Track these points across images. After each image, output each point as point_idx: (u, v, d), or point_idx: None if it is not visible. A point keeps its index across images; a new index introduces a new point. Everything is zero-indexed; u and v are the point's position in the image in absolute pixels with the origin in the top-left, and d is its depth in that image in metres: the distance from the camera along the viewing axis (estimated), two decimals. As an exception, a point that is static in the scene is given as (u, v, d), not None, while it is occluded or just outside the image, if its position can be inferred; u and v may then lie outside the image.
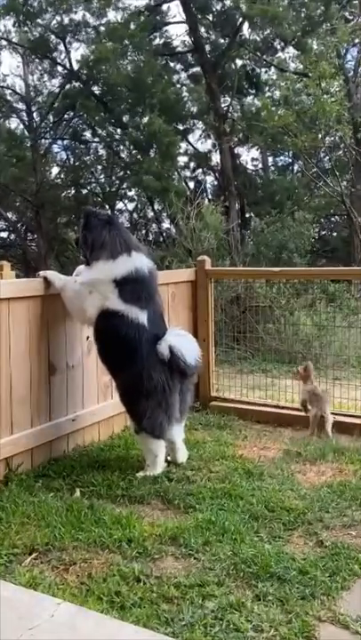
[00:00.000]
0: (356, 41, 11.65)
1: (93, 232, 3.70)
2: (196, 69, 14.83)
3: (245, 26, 13.31)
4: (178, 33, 15.53)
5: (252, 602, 2.42)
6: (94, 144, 16.18)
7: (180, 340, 3.76)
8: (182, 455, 3.92)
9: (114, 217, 3.96)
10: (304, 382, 4.52)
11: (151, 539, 2.90)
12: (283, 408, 4.89)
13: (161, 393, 3.66)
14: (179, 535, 2.92)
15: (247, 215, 14.70)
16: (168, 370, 3.67)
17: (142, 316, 3.65)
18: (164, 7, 14.80)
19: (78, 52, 15.29)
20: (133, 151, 14.22)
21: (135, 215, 16.61)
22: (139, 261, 3.69)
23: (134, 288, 3.64)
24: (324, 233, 15.27)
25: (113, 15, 14.67)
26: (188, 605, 2.38)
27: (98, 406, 4.26)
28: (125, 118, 14.80)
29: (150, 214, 15.77)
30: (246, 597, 2.44)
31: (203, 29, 13.83)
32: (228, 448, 4.13)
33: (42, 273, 3.88)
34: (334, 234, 14.90)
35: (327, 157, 12.96)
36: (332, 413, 4.65)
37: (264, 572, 2.60)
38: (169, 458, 3.89)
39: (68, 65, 15.18)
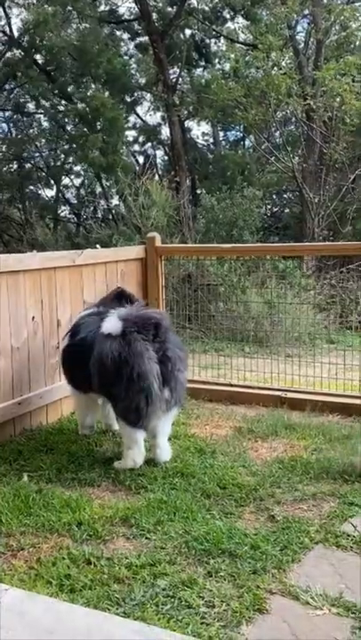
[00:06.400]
0: (306, 12, 11.58)
1: None
2: (144, 39, 14.45)
3: (194, -7, 13.05)
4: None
5: (204, 578, 2.43)
6: (38, 116, 15.64)
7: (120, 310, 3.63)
8: (163, 454, 3.53)
9: None
10: None
11: (102, 521, 2.87)
12: (235, 386, 4.92)
13: (133, 370, 3.33)
14: (130, 516, 2.90)
15: (198, 191, 14.59)
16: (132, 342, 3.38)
17: None
18: (109, -29, 14.31)
19: (19, 17, 14.66)
20: (79, 124, 13.79)
21: (82, 191, 16.20)
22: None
23: None
24: (276, 210, 15.31)
25: (55, -22, 14.01)
26: (139, 585, 2.38)
27: (45, 389, 4.16)
28: (70, 89, 14.31)
29: (98, 190, 15.42)
30: (198, 574, 2.45)
31: (149, -4, 13.43)
32: (180, 427, 4.12)
33: None
34: (286, 210, 14.95)
35: (278, 132, 12.94)
36: (285, 390, 4.72)
37: (216, 549, 2.62)
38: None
39: (7, 31, 14.50)
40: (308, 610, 2.25)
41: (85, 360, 3.55)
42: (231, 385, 4.96)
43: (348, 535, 2.74)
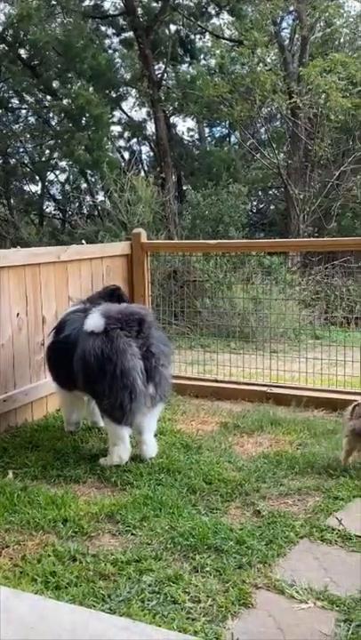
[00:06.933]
0: (292, 8, 11.60)
1: None
2: (129, 34, 14.37)
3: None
4: (108, -7, 14.93)
5: (190, 574, 2.43)
6: (23, 111, 15.51)
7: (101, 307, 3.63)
8: (149, 450, 3.51)
9: None
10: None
11: (87, 517, 2.86)
12: (221, 382, 4.93)
13: (119, 368, 3.32)
14: (116, 512, 2.89)
15: (184, 187, 14.58)
16: (115, 339, 3.37)
17: None
18: (93, -35, 14.17)
19: (2, 12, 14.49)
20: (64, 120, 13.70)
21: (67, 187, 16.10)
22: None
23: None
24: (261, 206, 15.35)
25: (38, -28, 13.86)
26: (125, 581, 2.37)
27: (30, 386, 4.13)
28: (55, 84, 14.22)
29: (84, 186, 15.33)
30: (184, 570, 2.46)
31: (134, -10, 13.33)
32: (166, 423, 4.12)
33: None
34: (272, 207, 15.00)
35: (264, 129, 12.97)
36: (270, 385, 4.74)
37: (202, 544, 2.62)
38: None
39: (-10, 25, 14.33)
40: (293, 604, 2.26)
41: (70, 358, 3.53)
42: (217, 381, 4.97)
43: (333, 529, 2.76)
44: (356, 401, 3.50)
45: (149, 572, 2.43)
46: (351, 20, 11.91)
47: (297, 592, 2.31)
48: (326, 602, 2.25)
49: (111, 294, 4.00)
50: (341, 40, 12.20)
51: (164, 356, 3.51)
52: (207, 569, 2.46)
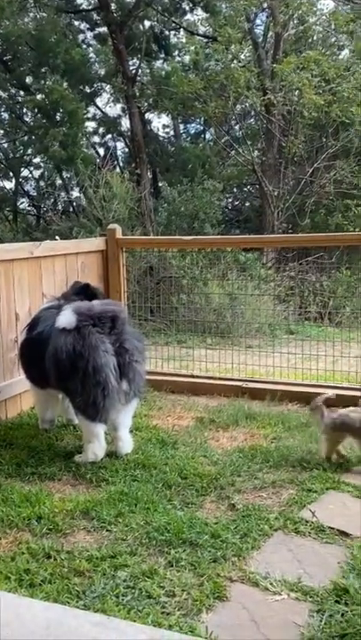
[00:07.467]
0: (265, 5, 11.64)
1: None
2: (103, 29, 14.26)
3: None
4: (81, -12, 14.71)
5: (165, 568, 2.44)
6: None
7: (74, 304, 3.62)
8: (124, 446, 3.52)
9: None
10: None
11: (62, 514, 2.85)
12: (197, 377, 4.95)
13: (92, 364, 3.31)
14: (90, 509, 2.89)
15: (159, 184, 14.54)
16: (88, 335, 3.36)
17: None
18: None
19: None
20: (38, 115, 13.55)
21: (42, 183, 15.93)
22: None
23: None
24: (237, 203, 15.39)
25: (9, -35, 13.63)
26: (99, 577, 2.37)
27: (4, 383, 4.09)
28: (29, 80, 14.05)
29: (59, 182, 15.19)
30: (159, 564, 2.46)
31: (107, -15, 13.22)
32: (142, 419, 4.12)
33: None
34: (247, 203, 15.04)
35: (238, 125, 13.01)
36: (245, 380, 4.76)
37: (177, 539, 2.63)
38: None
39: None
40: (267, 596, 2.28)
41: (42, 355, 3.51)
42: (193, 376, 4.98)
43: (307, 521, 2.79)
44: (320, 394, 3.55)
45: (124, 568, 2.43)
46: (324, 17, 11.98)
47: (271, 584, 2.33)
48: (300, 593, 2.28)
49: (81, 291, 3.97)
50: (315, 38, 12.27)
51: (138, 351, 3.51)
52: (182, 563, 2.47)
